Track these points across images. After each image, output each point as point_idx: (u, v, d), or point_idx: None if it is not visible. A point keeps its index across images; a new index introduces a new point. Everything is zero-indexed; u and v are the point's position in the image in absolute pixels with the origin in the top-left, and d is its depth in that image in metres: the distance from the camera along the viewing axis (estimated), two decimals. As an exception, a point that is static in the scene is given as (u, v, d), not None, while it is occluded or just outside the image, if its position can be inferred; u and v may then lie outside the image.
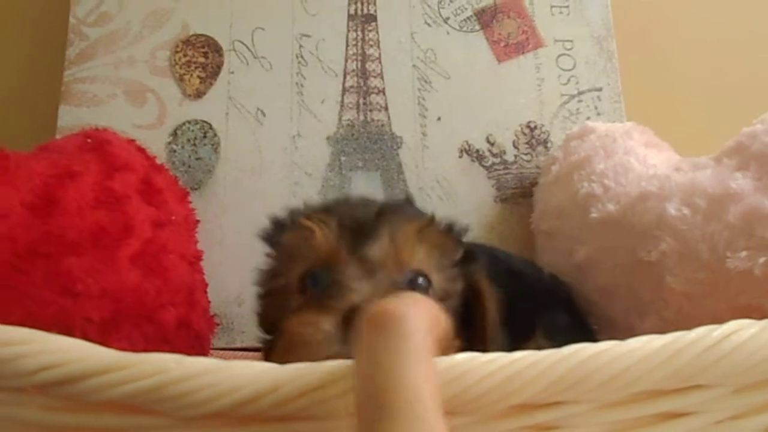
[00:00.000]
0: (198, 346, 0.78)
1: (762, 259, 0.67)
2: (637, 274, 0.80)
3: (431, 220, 0.64)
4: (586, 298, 0.89)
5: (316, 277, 0.59)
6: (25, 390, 0.44)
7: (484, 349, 0.61)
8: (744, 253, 0.69)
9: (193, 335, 0.77)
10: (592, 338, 0.84)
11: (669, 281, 0.75)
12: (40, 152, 0.78)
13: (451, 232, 0.66)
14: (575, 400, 0.47)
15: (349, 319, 0.51)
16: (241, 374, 0.44)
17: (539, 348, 0.78)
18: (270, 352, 0.62)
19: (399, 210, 0.64)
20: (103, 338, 0.66)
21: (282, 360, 0.46)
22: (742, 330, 0.49)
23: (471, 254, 0.66)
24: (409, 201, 0.72)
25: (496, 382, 0.44)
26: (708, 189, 0.75)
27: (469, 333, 0.63)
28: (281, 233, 0.65)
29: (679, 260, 0.75)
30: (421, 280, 0.60)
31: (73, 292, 0.63)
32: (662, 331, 0.75)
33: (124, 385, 0.42)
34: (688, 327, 0.74)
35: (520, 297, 0.80)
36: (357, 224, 0.60)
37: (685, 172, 0.82)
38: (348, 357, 0.44)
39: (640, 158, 0.91)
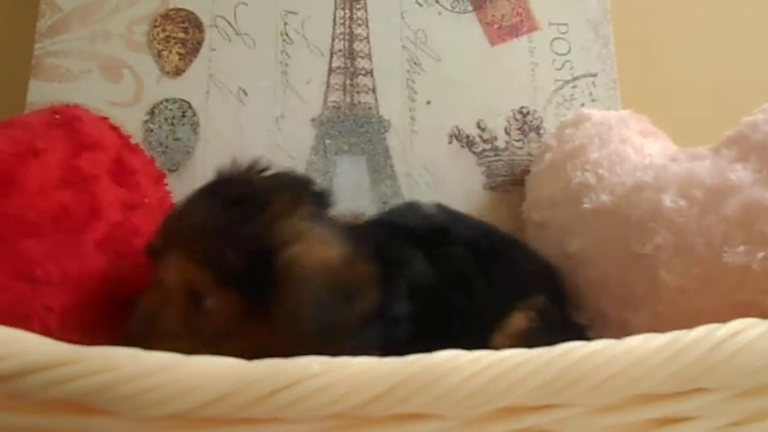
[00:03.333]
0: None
1: (761, 254, 0.64)
2: (631, 267, 0.77)
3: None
4: (578, 292, 0.85)
5: None
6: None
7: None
8: (742, 248, 0.66)
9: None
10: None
11: (663, 275, 0.72)
12: (2, 128, 0.73)
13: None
14: (568, 403, 0.43)
15: None
16: (202, 371, 0.40)
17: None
18: None
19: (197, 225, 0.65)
20: (64, 328, 0.62)
21: None
22: (747, 329, 0.46)
23: None
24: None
25: (481, 382, 0.40)
26: (706, 180, 0.71)
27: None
28: None
29: (674, 254, 0.72)
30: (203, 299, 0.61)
31: (31, 278, 0.59)
32: (656, 326, 0.73)
33: (73, 381, 0.38)
34: (683, 323, 0.71)
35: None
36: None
37: (682, 163, 0.79)
38: None
39: (636, 147, 0.88)
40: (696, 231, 0.70)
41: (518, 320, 0.75)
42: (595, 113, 0.97)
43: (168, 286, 0.62)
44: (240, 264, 0.60)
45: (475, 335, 0.72)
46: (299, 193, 0.68)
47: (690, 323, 0.71)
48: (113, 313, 0.66)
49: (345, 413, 0.40)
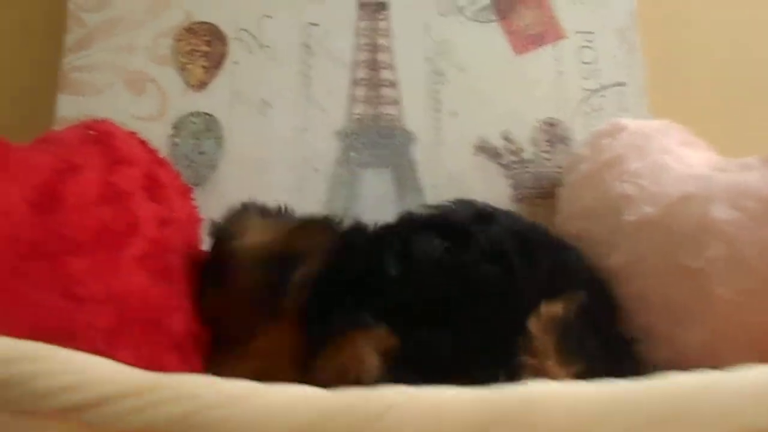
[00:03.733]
0: (207, 354, 0.71)
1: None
2: (679, 281, 0.75)
3: None
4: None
5: None
6: (40, 414, 0.37)
7: None
8: (799, 259, 0.64)
9: (204, 342, 0.70)
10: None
11: (717, 290, 0.70)
12: (40, 144, 0.71)
13: None
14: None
15: None
16: (282, 401, 0.38)
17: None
18: None
19: None
20: (109, 347, 0.59)
21: None
22: None
23: None
24: None
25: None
26: (762, 190, 0.69)
27: None
28: None
29: (727, 267, 0.70)
30: None
31: (77, 296, 0.57)
32: (711, 343, 0.72)
33: (150, 410, 0.36)
34: (740, 339, 0.71)
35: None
36: None
37: (731, 173, 0.77)
38: None
39: (678, 157, 0.86)
40: (750, 242, 0.68)
41: (554, 307, 0.73)
42: (632, 123, 0.95)
43: None
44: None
45: (510, 315, 0.72)
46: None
47: (747, 339, 0.71)
48: (156, 330, 0.64)
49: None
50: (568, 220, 0.94)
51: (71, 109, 0.98)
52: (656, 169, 0.85)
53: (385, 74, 1.06)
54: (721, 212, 0.71)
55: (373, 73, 1.06)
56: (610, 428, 0.37)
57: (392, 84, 1.06)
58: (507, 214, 0.87)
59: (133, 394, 0.36)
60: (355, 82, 1.06)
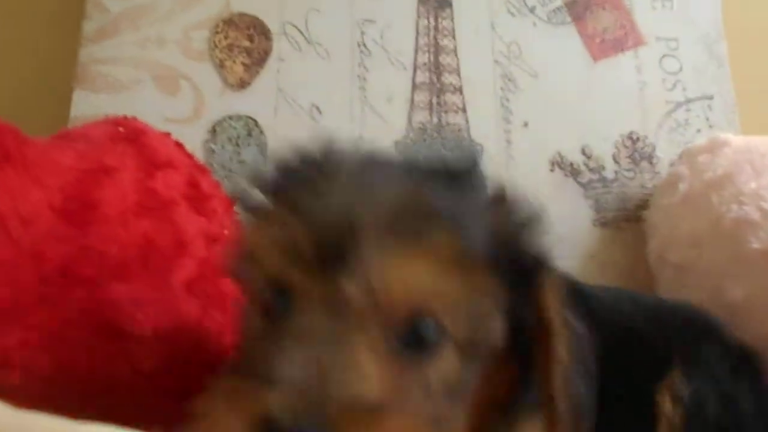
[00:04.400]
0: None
1: None
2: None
3: (471, 233, 0.41)
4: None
5: (276, 301, 0.40)
6: None
7: (549, 412, 0.42)
8: None
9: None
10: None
11: None
12: (60, 141, 0.58)
13: (510, 251, 0.42)
14: None
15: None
16: None
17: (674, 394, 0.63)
18: None
19: (418, 209, 0.40)
20: (152, 394, 0.46)
21: None
22: None
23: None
24: (467, 170, 0.46)
25: None
26: None
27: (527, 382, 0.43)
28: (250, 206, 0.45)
29: None
30: (429, 328, 0.39)
31: (120, 333, 0.43)
32: None
33: None
34: None
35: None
36: (334, 235, 0.38)
37: None
38: None
39: (802, 176, 0.74)
40: None
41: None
42: (735, 138, 0.85)
43: (359, 311, 0.38)
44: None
45: None
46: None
47: None
48: (210, 372, 0.51)
49: None
50: (668, 247, 0.83)
51: (89, 107, 0.87)
52: (779, 189, 0.73)
53: (449, 78, 0.95)
54: None
55: (435, 77, 0.94)
56: None
57: (457, 89, 0.94)
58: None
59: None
60: (416, 87, 0.94)
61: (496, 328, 0.41)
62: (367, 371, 0.36)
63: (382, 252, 0.38)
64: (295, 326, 0.37)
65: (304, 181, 0.42)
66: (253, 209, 0.43)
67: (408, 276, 0.38)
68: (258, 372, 0.36)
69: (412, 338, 0.38)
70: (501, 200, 0.46)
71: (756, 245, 0.71)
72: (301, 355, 0.35)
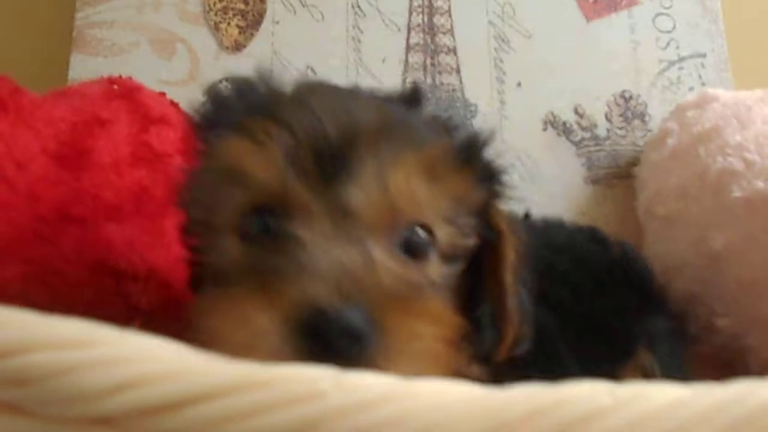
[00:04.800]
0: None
1: None
2: (804, 264, 0.64)
3: (446, 143, 0.44)
4: (724, 296, 0.73)
5: (263, 221, 0.40)
6: (82, 422, 0.26)
7: (498, 312, 0.46)
8: None
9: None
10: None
11: None
12: (55, 96, 0.60)
13: (474, 158, 0.45)
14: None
15: (299, 324, 0.34)
16: (436, 403, 0.26)
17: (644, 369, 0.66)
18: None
19: (399, 123, 0.43)
20: (150, 331, 0.48)
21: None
22: None
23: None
24: (415, 97, 0.50)
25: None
26: None
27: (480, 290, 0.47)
28: (217, 128, 0.43)
29: None
30: (420, 236, 0.42)
31: (116, 271, 0.45)
32: None
33: (252, 417, 0.25)
34: None
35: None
36: (332, 146, 0.40)
37: None
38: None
39: (788, 128, 0.75)
40: None
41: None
42: (723, 93, 0.86)
43: (366, 219, 0.39)
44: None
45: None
46: None
47: None
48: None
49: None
50: (655, 200, 0.84)
51: (86, 70, 0.88)
52: (763, 140, 0.75)
53: (444, 39, 0.96)
54: None
55: (429, 38, 0.95)
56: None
57: (451, 50, 0.95)
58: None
59: (225, 394, 0.25)
60: (410, 48, 0.95)
61: (469, 234, 0.44)
62: (387, 264, 0.38)
63: (381, 163, 0.40)
64: (302, 236, 0.38)
65: (288, 103, 0.43)
66: (235, 128, 0.42)
67: (403, 185, 0.40)
68: (264, 284, 0.36)
69: (407, 245, 0.41)
70: (451, 121, 0.49)
71: (738, 194, 0.72)
72: (323, 253, 0.36)
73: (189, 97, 0.85)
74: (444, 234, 0.43)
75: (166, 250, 0.52)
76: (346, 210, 0.39)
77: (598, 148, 0.94)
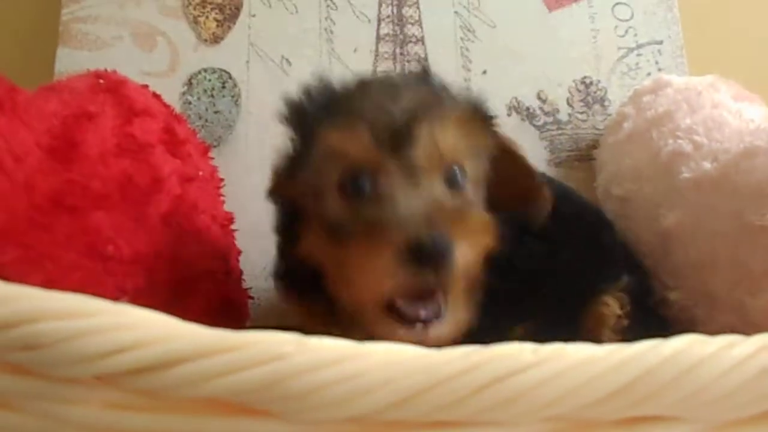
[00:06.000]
0: (240, 322, 0.65)
1: None
2: (745, 241, 0.69)
3: (471, 109, 0.61)
4: (675, 271, 0.77)
5: (358, 183, 0.55)
6: (84, 381, 0.31)
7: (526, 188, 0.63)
8: None
9: (235, 308, 0.64)
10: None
11: (789, 248, 0.64)
12: (46, 91, 0.64)
13: (482, 113, 0.63)
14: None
15: (409, 251, 0.48)
16: (388, 363, 0.31)
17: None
18: (295, 289, 0.61)
19: (434, 101, 0.58)
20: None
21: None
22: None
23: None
24: (427, 76, 0.64)
25: (746, 377, 0.31)
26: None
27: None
28: (312, 120, 0.59)
29: (802, 223, 0.64)
30: (458, 173, 0.57)
31: (103, 255, 0.50)
32: None
33: (225, 375, 0.30)
34: None
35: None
36: (395, 123, 0.55)
37: (797, 125, 0.71)
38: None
39: (733, 112, 0.80)
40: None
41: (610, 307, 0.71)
42: (676, 79, 0.90)
43: (426, 169, 0.55)
44: None
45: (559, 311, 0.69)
46: None
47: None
48: (185, 295, 0.58)
49: (563, 416, 0.32)
50: (612, 181, 0.88)
51: (72, 63, 0.91)
52: (711, 124, 0.79)
53: (412, 30, 1.00)
54: (793, 165, 0.66)
55: (398, 29, 0.99)
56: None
57: (419, 40, 0.99)
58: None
59: (205, 355, 0.30)
60: (381, 38, 0.99)
61: (485, 167, 0.61)
62: (446, 197, 0.54)
63: (430, 128, 0.55)
64: (388, 187, 0.53)
65: (357, 97, 0.59)
66: (329, 120, 0.57)
67: (445, 141, 0.55)
68: (370, 227, 0.51)
69: (451, 181, 0.56)
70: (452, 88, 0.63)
71: (687, 175, 0.76)
72: (404, 199, 0.52)
73: (169, 87, 0.91)
74: (472, 168, 0.58)
75: (149, 236, 0.56)
76: (414, 166, 0.54)
77: (560, 132, 0.99)
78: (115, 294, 0.51)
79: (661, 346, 0.32)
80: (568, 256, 0.70)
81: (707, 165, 0.75)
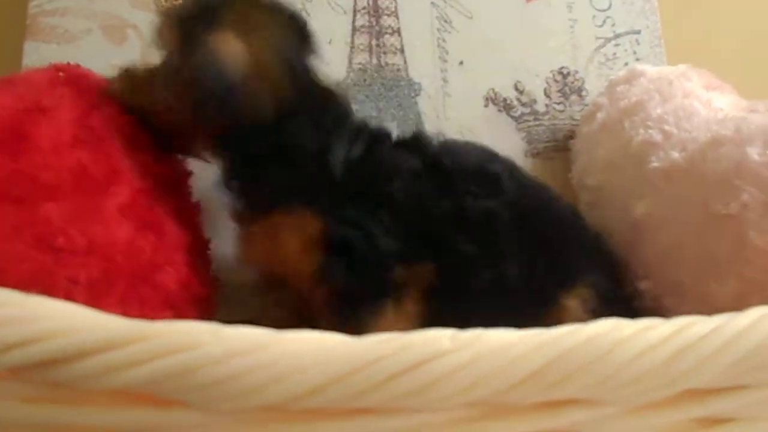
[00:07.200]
0: (207, 314, 0.65)
1: None
2: (711, 230, 0.69)
3: None
4: (645, 260, 0.77)
5: None
6: (-5, 374, 0.31)
7: None
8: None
9: (201, 300, 0.64)
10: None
11: (752, 237, 0.64)
12: (2, 85, 0.64)
13: None
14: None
15: None
16: (303, 351, 0.31)
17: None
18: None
19: None
20: (92, 303, 0.52)
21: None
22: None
23: None
24: None
25: (660, 359, 0.31)
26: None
27: None
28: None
29: (764, 213, 0.64)
30: None
31: (53, 246, 0.50)
32: (746, 296, 0.66)
33: (139, 365, 0.30)
34: None
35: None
36: None
37: (764, 114, 0.70)
38: None
39: (703, 101, 0.80)
40: (789, 186, 0.62)
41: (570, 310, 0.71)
42: (650, 69, 0.90)
43: None
44: None
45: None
46: None
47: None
48: (144, 286, 0.58)
49: (481, 401, 0.31)
50: (586, 171, 0.88)
51: (39, 57, 0.90)
52: (682, 113, 0.79)
53: (388, 21, 0.99)
54: (756, 155, 0.65)
55: (374, 20, 0.99)
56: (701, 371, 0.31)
57: (395, 31, 0.99)
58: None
59: (117, 346, 0.30)
60: (356, 30, 0.98)
61: None
62: None
63: None
64: None
65: None
66: None
67: None
68: None
69: None
70: None
71: (656, 164, 0.76)
72: None
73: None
74: None
75: (105, 227, 0.56)
76: None
77: (537, 123, 0.98)
78: (67, 285, 0.50)
79: (580, 331, 0.32)
80: (515, 269, 0.70)
81: (676, 155, 0.75)
